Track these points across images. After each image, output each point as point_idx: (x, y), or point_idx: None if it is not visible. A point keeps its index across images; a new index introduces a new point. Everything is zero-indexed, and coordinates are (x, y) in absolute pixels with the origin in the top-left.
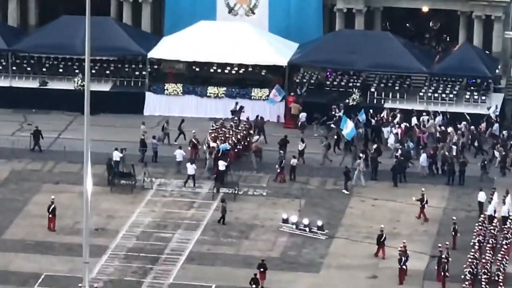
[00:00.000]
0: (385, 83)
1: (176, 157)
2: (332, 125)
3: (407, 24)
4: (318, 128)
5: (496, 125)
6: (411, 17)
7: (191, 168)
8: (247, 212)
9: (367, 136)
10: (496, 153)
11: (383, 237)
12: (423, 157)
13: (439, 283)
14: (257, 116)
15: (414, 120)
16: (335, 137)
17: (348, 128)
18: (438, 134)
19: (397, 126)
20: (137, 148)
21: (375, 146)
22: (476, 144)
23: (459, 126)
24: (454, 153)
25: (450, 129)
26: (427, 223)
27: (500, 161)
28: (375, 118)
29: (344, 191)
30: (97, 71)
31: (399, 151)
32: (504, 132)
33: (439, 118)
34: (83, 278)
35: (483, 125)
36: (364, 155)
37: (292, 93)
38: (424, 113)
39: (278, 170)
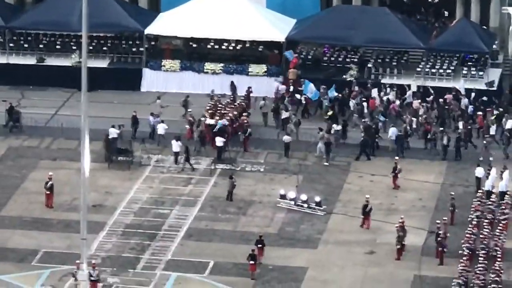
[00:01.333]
0: (383, 59)
1: (157, 130)
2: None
3: (405, 0)
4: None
5: (465, 100)
6: None
7: (176, 145)
8: (244, 188)
9: (334, 109)
10: (460, 125)
11: (369, 208)
12: (392, 130)
13: (437, 258)
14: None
15: (374, 92)
16: (303, 102)
17: (311, 91)
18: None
19: (362, 99)
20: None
21: (330, 112)
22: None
23: (427, 99)
24: (415, 126)
25: (416, 103)
26: (422, 199)
27: (464, 135)
28: (342, 92)
29: (325, 163)
30: (94, 47)
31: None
32: (471, 107)
33: (409, 93)
34: (81, 255)
35: (449, 96)
36: (341, 129)
37: (296, 55)
38: (387, 86)
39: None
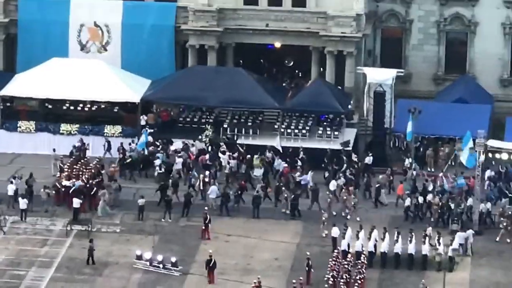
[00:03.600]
0: (238, 119)
1: (8, 191)
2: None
3: (261, 60)
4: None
5: (278, 160)
6: (264, 53)
7: (22, 203)
8: (101, 249)
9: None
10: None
11: (212, 262)
12: (212, 188)
13: None
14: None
15: (175, 145)
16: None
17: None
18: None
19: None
20: None
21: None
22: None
23: (233, 155)
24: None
25: (225, 157)
26: (278, 259)
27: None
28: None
29: (163, 220)
30: None
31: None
32: (282, 164)
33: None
34: None
35: (268, 155)
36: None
37: (167, 109)
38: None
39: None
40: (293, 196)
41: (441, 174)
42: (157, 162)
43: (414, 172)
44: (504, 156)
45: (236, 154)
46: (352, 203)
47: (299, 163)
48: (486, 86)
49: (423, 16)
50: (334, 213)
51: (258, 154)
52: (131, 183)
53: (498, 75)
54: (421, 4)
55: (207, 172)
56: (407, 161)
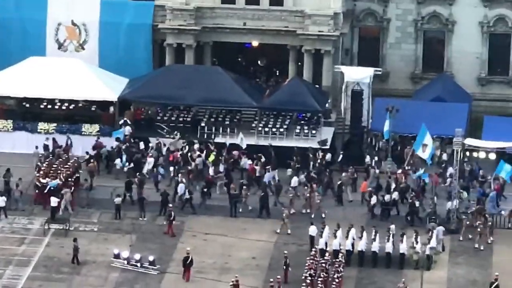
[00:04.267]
0: (215, 118)
1: None
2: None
3: (239, 59)
4: None
5: (244, 158)
6: (241, 51)
7: (0, 200)
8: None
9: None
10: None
11: (189, 260)
12: (181, 186)
13: None
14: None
15: (142, 144)
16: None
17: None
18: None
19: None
20: None
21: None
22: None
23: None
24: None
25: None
26: (255, 258)
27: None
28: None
29: (140, 219)
30: None
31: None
32: (248, 162)
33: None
34: None
35: (235, 152)
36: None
37: (142, 107)
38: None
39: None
40: (262, 194)
41: (399, 171)
42: (118, 160)
43: (377, 170)
44: (482, 155)
45: (203, 153)
46: (318, 200)
47: (263, 159)
48: (463, 85)
49: (401, 15)
50: (293, 211)
51: (224, 152)
52: (108, 181)
53: (476, 74)
54: (398, 2)
55: (171, 168)
56: (368, 159)
